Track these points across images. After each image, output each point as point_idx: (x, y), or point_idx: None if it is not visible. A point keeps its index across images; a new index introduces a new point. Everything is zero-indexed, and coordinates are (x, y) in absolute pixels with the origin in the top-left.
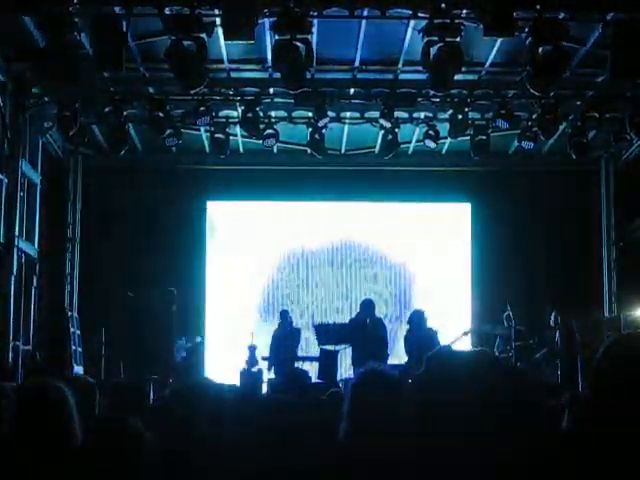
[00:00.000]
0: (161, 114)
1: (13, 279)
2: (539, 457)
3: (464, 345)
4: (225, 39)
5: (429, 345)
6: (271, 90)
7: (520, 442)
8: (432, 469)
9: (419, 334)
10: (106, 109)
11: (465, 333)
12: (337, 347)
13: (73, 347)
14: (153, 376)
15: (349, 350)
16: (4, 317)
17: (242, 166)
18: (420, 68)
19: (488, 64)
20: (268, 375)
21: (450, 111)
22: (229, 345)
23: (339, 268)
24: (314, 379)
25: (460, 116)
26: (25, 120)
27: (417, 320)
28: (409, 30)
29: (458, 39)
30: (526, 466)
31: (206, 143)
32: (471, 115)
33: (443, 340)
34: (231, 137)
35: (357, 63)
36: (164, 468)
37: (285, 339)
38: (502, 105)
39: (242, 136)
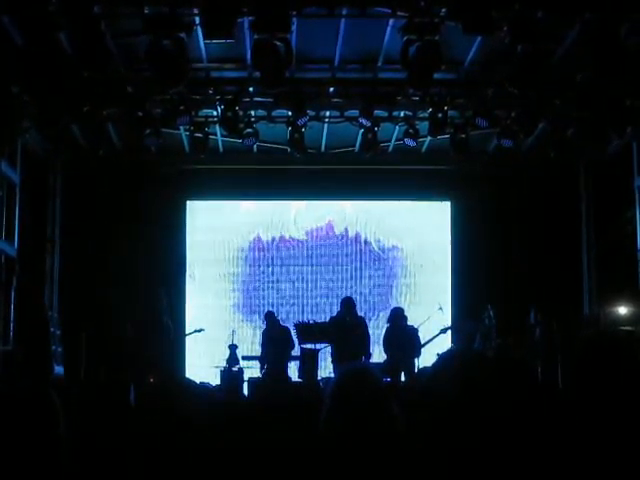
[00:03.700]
0: (141, 113)
1: None
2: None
3: (444, 342)
4: (205, 38)
5: (409, 343)
6: (250, 89)
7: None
8: (419, 469)
9: (399, 332)
10: (85, 108)
11: (444, 330)
12: (318, 346)
13: (53, 347)
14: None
15: (329, 349)
16: None
17: (222, 165)
18: (400, 67)
19: (467, 63)
20: (260, 374)
21: (430, 110)
22: (209, 344)
23: (319, 266)
24: (294, 378)
25: (440, 114)
26: (3, 120)
27: (396, 318)
28: (388, 29)
29: (437, 38)
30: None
31: (186, 142)
32: (451, 113)
33: (423, 337)
34: (211, 136)
35: (337, 62)
36: (145, 468)
37: (274, 339)
38: (481, 103)
39: (222, 135)
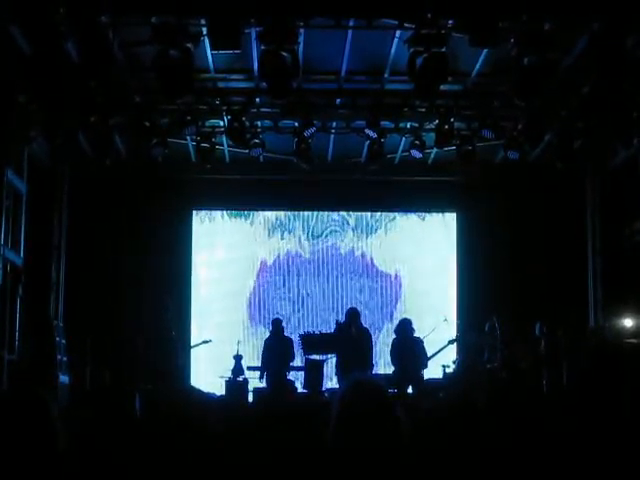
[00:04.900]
0: (147, 123)
1: None
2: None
3: (449, 354)
4: (211, 49)
5: (415, 354)
6: (257, 100)
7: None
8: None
9: (406, 343)
10: (92, 118)
11: (451, 342)
12: (323, 357)
13: (58, 356)
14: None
15: (334, 359)
16: None
17: (228, 175)
18: (406, 78)
19: (474, 74)
20: (260, 383)
21: (436, 121)
22: (214, 354)
23: (325, 278)
24: (300, 389)
25: (446, 126)
26: (10, 129)
27: (404, 329)
28: (395, 40)
29: (444, 49)
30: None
31: (192, 152)
32: (457, 125)
33: (428, 349)
34: (217, 147)
35: (343, 73)
36: (152, 473)
37: (276, 347)
38: (488, 115)
39: (228, 145)
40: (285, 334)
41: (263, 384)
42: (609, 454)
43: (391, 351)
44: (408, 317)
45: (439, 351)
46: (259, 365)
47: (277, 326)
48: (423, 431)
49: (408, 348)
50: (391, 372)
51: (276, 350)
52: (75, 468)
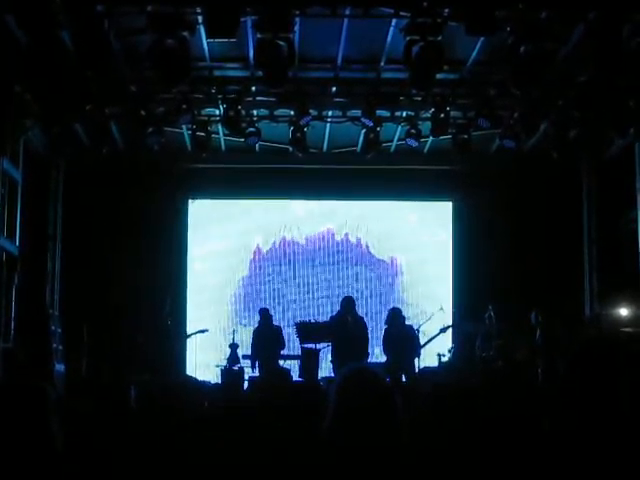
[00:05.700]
0: (143, 112)
1: None
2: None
3: (444, 342)
4: (207, 37)
5: (407, 343)
6: (253, 88)
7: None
8: (421, 467)
9: (397, 332)
10: (88, 107)
11: (444, 329)
12: (318, 345)
13: (54, 345)
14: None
15: (330, 348)
16: None
17: (224, 164)
18: (402, 67)
19: (470, 63)
20: (251, 373)
21: (432, 110)
22: (210, 343)
23: (321, 266)
24: (295, 377)
25: (442, 115)
26: (6, 118)
27: (394, 318)
28: (391, 29)
29: (440, 38)
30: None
31: (188, 141)
32: (453, 114)
33: (422, 337)
34: (213, 135)
35: (339, 62)
36: (146, 467)
37: (266, 336)
38: (484, 104)
39: (224, 134)
40: (274, 323)
41: (256, 374)
42: (606, 445)
43: (383, 340)
44: (397, 306)
45: (431, 339)
46: None
47: (265, 315)
48: (420, 417)
49: (400, 337)
50: (384, 361)
51: (266, 339)
52: (71, 461)
